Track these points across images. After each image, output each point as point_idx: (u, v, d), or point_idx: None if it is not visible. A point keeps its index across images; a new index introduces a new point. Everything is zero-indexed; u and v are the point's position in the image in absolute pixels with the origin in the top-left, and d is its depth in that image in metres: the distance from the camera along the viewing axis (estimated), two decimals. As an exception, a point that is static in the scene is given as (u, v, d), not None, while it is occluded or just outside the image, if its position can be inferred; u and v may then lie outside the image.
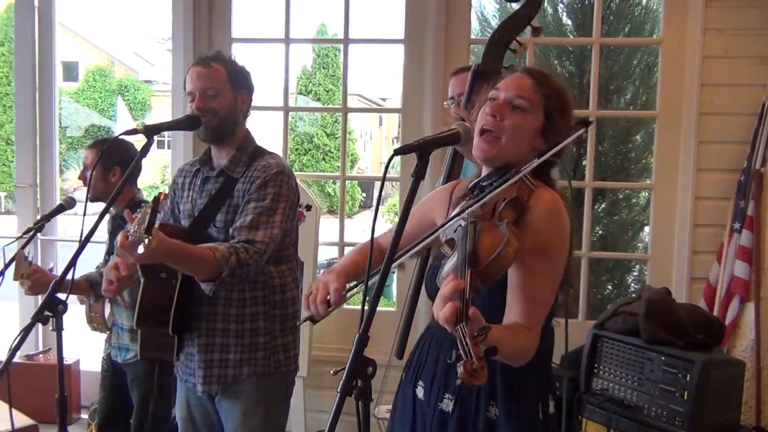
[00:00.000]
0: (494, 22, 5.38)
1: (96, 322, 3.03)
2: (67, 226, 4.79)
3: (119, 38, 27.28)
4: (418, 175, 1.39)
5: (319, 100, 21.81)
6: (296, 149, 20.75)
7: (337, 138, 21.12)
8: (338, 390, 1.28)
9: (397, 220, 1.48)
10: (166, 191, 2.09)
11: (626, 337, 2.87)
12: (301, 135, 20.86)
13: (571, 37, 5.15)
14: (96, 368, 4.17)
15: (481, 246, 1.40)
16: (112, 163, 2.94)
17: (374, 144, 28.05)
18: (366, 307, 1.36)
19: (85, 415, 4.19)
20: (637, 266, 5.34)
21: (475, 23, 4.23)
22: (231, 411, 2.25)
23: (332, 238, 4.22)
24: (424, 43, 3.82)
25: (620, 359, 2.89)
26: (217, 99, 2.20)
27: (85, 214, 1.99)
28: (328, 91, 21.68)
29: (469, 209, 1.49)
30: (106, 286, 2.09)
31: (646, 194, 5.40)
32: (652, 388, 2.72)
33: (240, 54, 4.18)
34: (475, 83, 2.24)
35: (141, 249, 1.80)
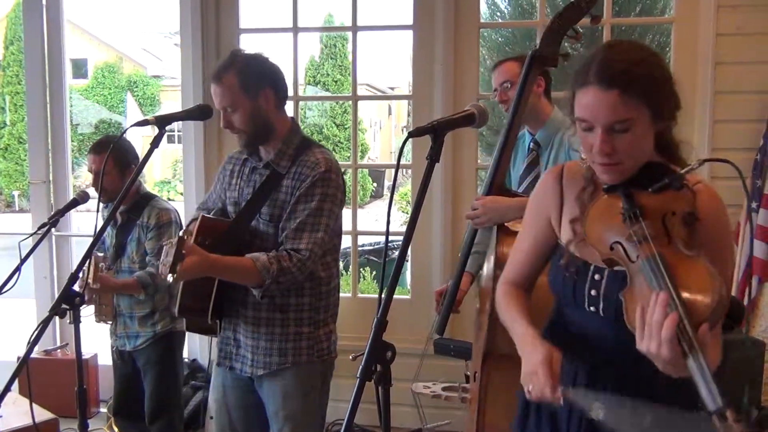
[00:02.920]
0: (503, 6, 5.34)
1: (104, 313, 3.07)
2: (81, 223, 4.81)
3: (127, 34, 27.37)
4: (433, 157, 1.37)
5: (327, 90, 21.78)
6: (307, 141, 20.71)
7: (346, 128, 21.10)
8: (357, 375, 1.28)
9: (409, 208, 1.46)
10: (186, 232, 2.16)
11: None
12: (310, 126, 20.85)
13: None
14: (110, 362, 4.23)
15: (684, 284, 1.25)
16: (128, 163, 2.98)
17: (384, 133, 28.00)
18: (383, 293, 1.34)
19: (104, 409, 4.22)
20: None
21: (483, 7, 4.19)
22: (272, 393, 2.31)
23: (344, 227, 4.20)
24: (433, 28, 3.80)
25: (638, 342, 2.87)
26: (237, 114, 2.18)
27: (98, 211, 2.02)
28: (336, 81, 21.64)
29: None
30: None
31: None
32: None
33: (248, 45, 4.19)
34: (531, 68, 2.24)
35: (169, 278, 1.90)
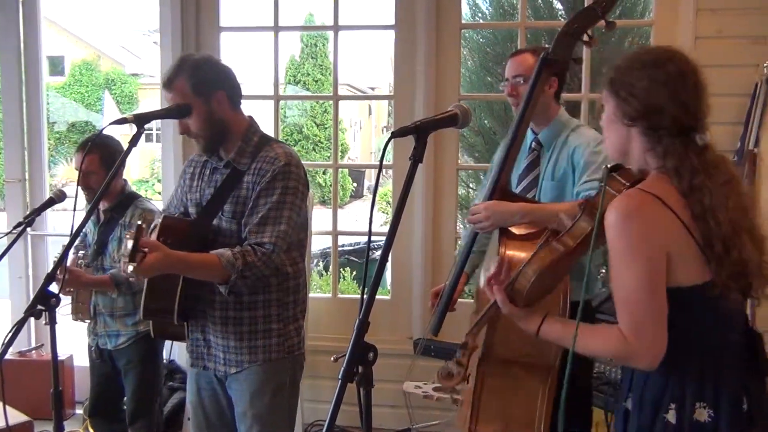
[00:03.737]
0: (484, 7, 5.35)
1: (81, 311, 3.04)
2: (57, 222, 4.75)
3: (105, 31, 27.03)
4: (417, 157, 1.36)
5: (308, 90, 21.69)
6: (286, 140, 20.38)
7: (326, 128, 21.05)
8: (339, 377, 1.26)
9: (390, 209, 1.46)
10: (149, 221, 2.14)
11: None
12: (290, 126, 20.77)
13: (563, 21, 5.10)
14: (86, 363, 4.18)
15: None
16: (111, 161, 2.95)
17: (364, 134, 27.97)
18: (366, 294, 1.33)
19: (79, 411, 4.16)
20: None
21: (465, 8, 4.20)
22: (240, 393, 2.30)
23: (324, 228, 4.21)
24: (414, 28, 3.79)
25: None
26: (192, 117, 2.18)
27: (75, 209, 1.99)
28: (316, 81, 21.57)
29: None
30: None
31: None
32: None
33: (228, 43, 4.16)
34: (542, 71, 2.20)
35: (129, 269, 1.86)
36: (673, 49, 1.61)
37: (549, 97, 2.56)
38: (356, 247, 7.59)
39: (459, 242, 2.94)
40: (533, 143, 2.64)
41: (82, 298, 3.00)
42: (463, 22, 4.00)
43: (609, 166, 1.67)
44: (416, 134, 1.40)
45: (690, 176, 1.52)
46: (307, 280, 2.43)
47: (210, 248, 2.16)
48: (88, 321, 3.09)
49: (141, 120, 2.02)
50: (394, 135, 1.41)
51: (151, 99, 24.83)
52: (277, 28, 3.97)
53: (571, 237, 1.64)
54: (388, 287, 4.22)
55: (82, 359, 4.30)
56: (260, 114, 4.03)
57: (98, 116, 23.67)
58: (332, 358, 1.40)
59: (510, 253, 2.12)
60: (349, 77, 22.13)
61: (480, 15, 5.26)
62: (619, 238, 1.52)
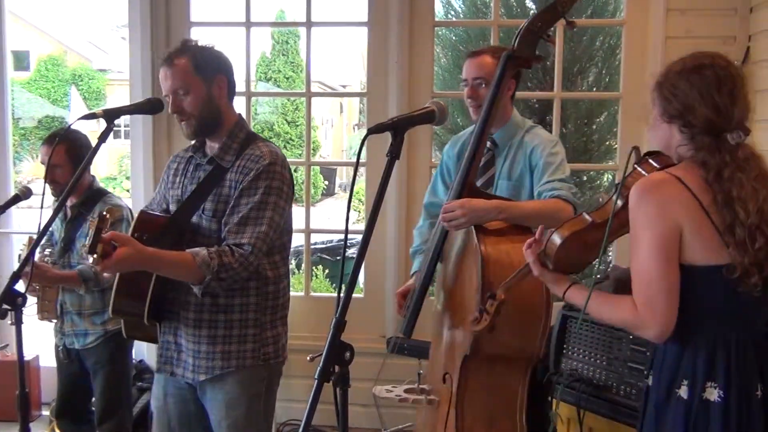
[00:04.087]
0: (457, 5, 5.37)
1: (48, 310, 2.97)
2: (22, 220, 4.65)
3: (72, 26, 26.56)
4: (393, 154, 1.35)
5: (279, 87, 21.58)
6: (257, 138, 20.46)
7: (298, 126, 20.95)
8: (315, 377, 1.25)
9: (362, 206, 1.45)
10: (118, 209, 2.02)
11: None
12: (261, 123, 20.62)
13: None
14: (53, 364, 4.09)
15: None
16: (82, 157, 2.89)
17: (336, 131, 27.90)
18: (342, 293, 1.32)
19: (46, 412, 4.08)
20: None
21: (438, 6, 4.20)
22: (215, 401, 2.22)
23: (296, 225, 4.16)
24: (387, 25, 3.78)
25: (589, 339, 2.91)
26: (189, 98, 2.11)
27: (42, 207, 1.94)
28: (288, 78, 21.46)
29: None
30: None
31: (610, 176, 5.45)
32: (620, 367, 2.74)
33: (199, 38, 4.10)
34: (507, 68, 2.21)
35: (90, 260, 1.79)
36: (718, 56, 1.74)
37: (507, 98, 2.56)
38: (329, 245, 7.56)
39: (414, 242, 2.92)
40: (488, 143, 2.64)
41: (49, 296, 2.93)
42: (437, 19, 3.99)
43: (646, 151, 1.78)
44: (393, 131, 1.38)
45: (717, 168, 1.63)
46: (289, 284, 2.35)
47: (187, 246, 2.08)
48: (55, 321, 3.02)
49: (110, 115, 1.97)
50: (370, 131, 1.40)
51: (119, 95, 24.49)
52: (249, 24, 3.93)
53: (601, 212, 1.74)
54: (361, 286, 4.21)
55: (48, 360, 4.22)
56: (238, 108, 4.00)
57: (65, 112, 23.28)
58: (308, 358, 1.38)
59: (491, 248, 2.14)
60: (321, 75, 22.08)
61: (453, 13, 5.28)
62: (637, 212, 1.63)
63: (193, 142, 2.32)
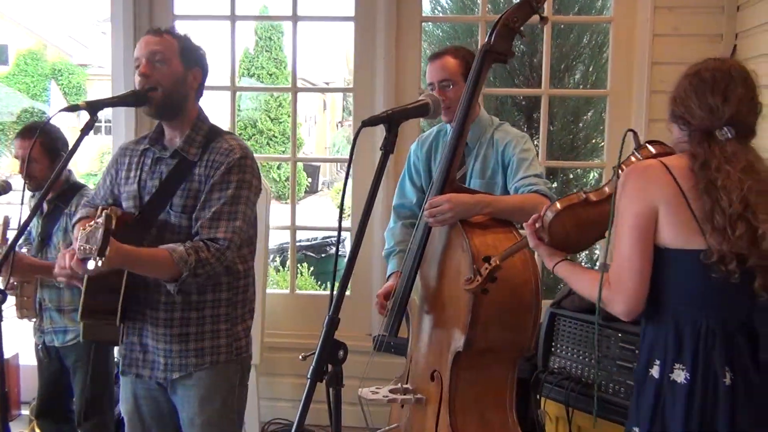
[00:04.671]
0: (444, 1, 5.34)
1: (26, 307, 2.91)
2: None
3: (52, 20, 26.26)
4: (387, 148, 1.32)
5: (262, 83, 21.46)
6: (240, 134, 20.25)
7: (281, 123, 20.85)
8: (308, 376, 1.21)
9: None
10: (115, 210, 1.87)
11: (583, 314, 2.87)
12: (244, 120, 20.51)
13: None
14: (33, 362, 4.03)
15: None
16: (58, 150, 2.86)
17: (319, 128, 27.82)
18: (335, 290, 1.28)
19: (25, 411, 4.02)
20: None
21: (425, 1, 4.17)
22: (187, 398, 2.16)
23: (280, 222, 4.13)
24: (374, 20, 3.74)
25: (577, 337, 2.90)
26: (164, 67, 2.07)
27: (22, 203, 1.89)
28: (271, 75, 21.34)
29: None
30: (59, 270, 1.94)
31: (596, 174, 5.45)
32: (609, 365, 2.73)
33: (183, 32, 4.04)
34: (484, 63, 2.21)
35: (91, 266, 1.72)
36: (721, 60, 1.84)
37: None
38: (313, 242, 7.51)
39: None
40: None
41: (27, 292, 2.87)
42: (424, 15, 3.96)
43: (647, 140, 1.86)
44: (387, 124, 1.35)
45: (704, 158, 1.69)
46: (256, 278, 2.33)
47: (153, 243, 2.03)
48: (34, 319, 2.96)
49: (93, 107, 1.91)
50: (365, 123, 1.37)
51: (100, 90, 24.25)
52: (234, 17, 3.88)
53: (597, 193, 1.84)
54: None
55: (28, 358, 4.16)
56: (215, 106, 3.94)
57: (45, 106, 23.02)
58: (301, 357, 1.35)
59: (479, 239, 2.16)
60: (304, 71, 21.99)
61: (439, 9, 5.25)
62: (621, 193, 1.73)
63: (143, 135, 2.27)
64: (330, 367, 1.23)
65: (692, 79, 1.78)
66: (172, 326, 2.12)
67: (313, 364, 1.21)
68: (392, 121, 1.36)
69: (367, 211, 1.31)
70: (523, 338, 2.18)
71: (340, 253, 7.61)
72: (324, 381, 1.22)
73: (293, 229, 4.06)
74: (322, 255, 7.31)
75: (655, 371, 1.75)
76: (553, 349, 2.98)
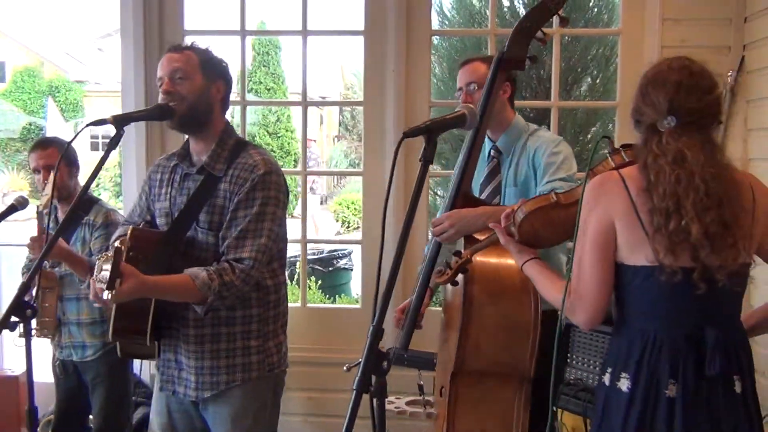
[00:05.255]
0: (450, 15, 5.37)
1: (47, 327, 2.90)
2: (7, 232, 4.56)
3: (48, 37, 26.28)
4: (427, 158, 1.33)
5: (260, 98, 21.48)
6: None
7: (279, 137, 20.83)
8: (354, 387, 1.21)
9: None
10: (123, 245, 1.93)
11: (598, 326, 2.87)
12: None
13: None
14: (44, 379, 3.99)
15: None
16: (75, 160, 2.95)
17: (316, 143, 27.84)
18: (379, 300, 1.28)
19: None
20: None
21: (434, 17, 4.19)
22: (219, 416, 2.16)
23: (291, 236, 4.11)
24: (385, 34, 3.75)
25: (592, 348, 2.89)
26: (186, 83, 2.09)
27: (50, 215, 1.91)
28: (269, 89, 21.34)
29: None
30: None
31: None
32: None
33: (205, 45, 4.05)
34: (498, 71, 2.21)
35: (106, 296, 1.74)
36: (667, 59, 1.84)
37: (503, 102, 2.55)
38: (320, 255, 7.50)
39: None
40: (492, 151, 2.63)
41: (48, 313, 2.86)
42: (433, 29, 3.98)
43: (622, 143, 1.85)
44: (427, 134, 1.36)
45: (644, 158, 1.70)
46: (287, 291, 2.33)
47: (183, 261, 2.04)
48: (50, 337, 2.95)
49: (120, 121, 1.93)
50: (406, 135, 1.37)
51: (97, 107, 24.26)
52: (244, 32, 3.89)
53: (567, 195, 1.86)
54: (353, 295, 4.17)
55: (38, 375, 4.11)
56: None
57: (43, 122, 23.00)
58: (345, 368, 1.35)
59: (482, 258, 2.14)
60: (299, 86, 22.03)
61: (447, 23, 5.27)
62: (583, 204, 1.73)
63: (173, 152, 2.29)
64: (374, 378, 1.23)
65: (641, 80, 1.81)
66: (203, 342, 2.12)
67: (359, 375, 1.21)
68: (432, 131, 1.37)
69: (409, 222, 1.31)
70: (521, 362, 2.13)
71: (345, 266, 7.66)
72: (370, 392, 1.22)
73: (303, 242, 4.06)
74: (330, 268, 7.30)
75: (606, 378, 1.79)
76: (568, 360, 2.98)
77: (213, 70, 2.15)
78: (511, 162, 2.57)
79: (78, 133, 2.06)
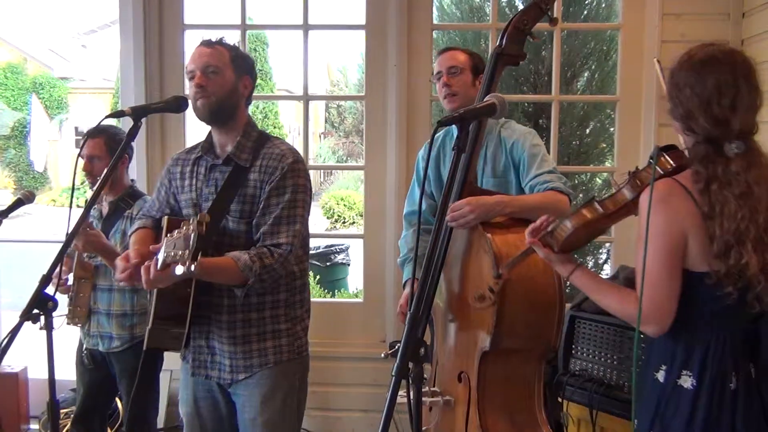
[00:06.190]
0: (449, 10, 5.38)
1: (78, 316, 2.90)
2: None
3: (31, 34, 25.97)
4: (460, 146, 1.34)
5: (246, 95, 21.40)
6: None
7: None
8: (393, 373, 1.22)
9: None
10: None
11: (603, 317, 2.90)
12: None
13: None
14: (46, 376, 3.96)
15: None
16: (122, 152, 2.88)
17: (302, 139, 27.73)
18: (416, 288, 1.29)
19: (35, 426, 3.96)
20: (607, 244, 5.38)
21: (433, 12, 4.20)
22: (249, 398, 2.23)
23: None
24: (386, 28, 3.76)
25: (598, 339, 2.92)
26: (218, 77, 2.15)
27: (90, 206, 1.96)
28: (256, 86, 21.26)
29: None
30: (120, 274, 2.01)
31: (602, 178, 5.50)
32: (631, 366, 2.75)
33: (193, 42, 4.03)
34: (497, 66, 2.26)
35: (179, 271, 1.72)
36: (721, 54, 1.71)
37: (474, 96, 2.61)
38: (318, 251, 7.51)
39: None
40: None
41: (82, 302, 2.86)
42: (434, 23, 3.99)
43: (662, 146, 1.79)
44: (460, 123, 1.37)
45: (706, 181, 1.66)
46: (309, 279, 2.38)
47: (215, 250, 2.10)
48: (80, 325, 2.95)
49: (138, 113, 1.94)
50: (440, 123, 1.40)
51: (83, 103, 24.03)
52: (244, 26, 3.88)
53: (613, 202, 1.77)
54: (356, 290, 4.17)
55: (37, 372, 4.10)
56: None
57: (29, 118, 22.80)
58: (383, 354, 1.35)
59: (500, 238, 2.20)
60: (286, 82, 21.94)
61: (446, 18, 5.28)
62: (647, 219, 1.68)
63: (193, 145, 2.34)
64: (411, 365, 1.24)
65: (696, 83, 1.68)
66: (235, 328, 2.19)
67: (398, 361, 1.22)
68: (465, 120, 1.39)
69: (444, 207, 1.32)
70: (549, 334, 2.22)
71: (343, 261, 7.67)
72: (409, 378, 1.23)
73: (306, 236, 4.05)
74: (327, 263, 7.32)
75: (660, 376, 1.78)
76: (573, 352, 3.00)
77: (242, 65, 2.22)
78: (486, 154, 2.63)
79: (97, 125, 2.07)
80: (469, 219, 2.22)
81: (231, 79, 2.17)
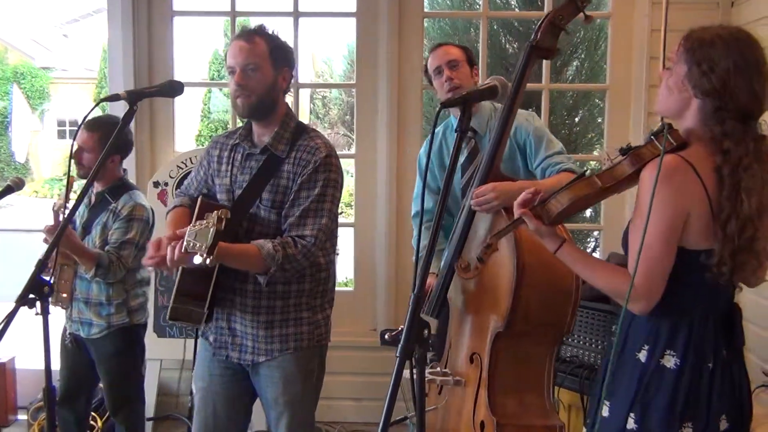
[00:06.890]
0: None
1: (61, 301, 2.89)
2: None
3: (12, 23, 25.66)
4: (463, 129, 1.35)
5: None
6: (211, 136, 20.08)
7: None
8: (397, 354, 1.22)
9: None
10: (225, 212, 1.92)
11: (594, 303, 2.92)
12: (215, 122, 20.29)
13: (518, 12, 5.22)
14: (33, 366, 3.94)
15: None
16: (116, 148, 2.85)
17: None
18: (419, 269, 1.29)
19: (23, 416, 3.94)
20: (596, 233, 5.40)
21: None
22: (271, 379, 2.28)
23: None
24: (377, 16, 3.76)
25: (589, 326, 2.94)
26: (257, 74, 2.15)
27: (68, 190, 1.91)
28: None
29: None
30: (148, 261, 2.05)
31: (590, 167, 5.51)
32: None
33: (181, 29, 4.00)
34: (530, 59, 2.29)
35: (197, 260, 1.81)
36: (749, 33, 1.69)
37: (475, 85, 2.67)
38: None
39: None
40: (468, 133, 2.69)
41: (65, 276, 2.85)
42: (425, 11, 3.98)
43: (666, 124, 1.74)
44: (463, 105, 1.38)
45: (738, 158, 1.61)
46: (336, 269, 2.43)
47: (245, 236, 2.15)
48: (66, 308, 2.94)
49: (134, 97, 1.91)
50: (444, 105, 1.41)
51: (64, 94, 23.81)
52: (234, 13, 3.85)
53: (611, 176, 1.74)
54: (346, 279, 4.17)
55: (25, 362, 4.08)
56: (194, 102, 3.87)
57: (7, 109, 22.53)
58: (386, 336, 1.35)
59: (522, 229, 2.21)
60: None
61: (437, 5, 5.28)
62: (648, 195, 1.63)
63: (233, 129, 2.36)
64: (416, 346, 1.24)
65: (737, 56, 1.62)
66: (259, 313, 2.23)
67: (402, 342, 1.22)
68: (467, 102, 1.39)
69: (446, 191, 1.33)
70: (563, 321, 2.25)
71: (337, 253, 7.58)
72: (413, 359, 1.23)
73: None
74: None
75: (642, 356, 1.76)
76: (564, 338, 3.02)
77: (281, 58, 2.21)
78: (490, 140, 2.65)
79: (90, 111, 2.04)
80: (493, 204, 2.27)
81: (270, 74, 2.18)
